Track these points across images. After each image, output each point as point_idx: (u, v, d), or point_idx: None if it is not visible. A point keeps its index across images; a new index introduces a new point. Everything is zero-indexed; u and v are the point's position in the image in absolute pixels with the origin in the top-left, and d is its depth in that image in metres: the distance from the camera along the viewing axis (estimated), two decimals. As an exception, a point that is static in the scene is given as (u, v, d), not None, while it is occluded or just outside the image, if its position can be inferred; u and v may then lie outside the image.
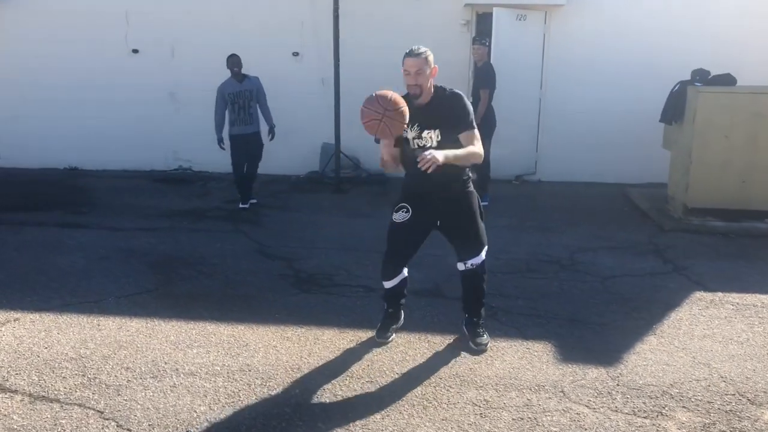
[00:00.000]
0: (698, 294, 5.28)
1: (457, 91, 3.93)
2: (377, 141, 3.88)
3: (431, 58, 3.88)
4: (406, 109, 3.70)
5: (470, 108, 3.95)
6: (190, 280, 5.47)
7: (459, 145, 3.85)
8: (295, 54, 9.82)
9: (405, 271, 4.31)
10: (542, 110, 9.68)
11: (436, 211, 4.09)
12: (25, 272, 5.58)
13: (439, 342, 4.35)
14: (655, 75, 8.87)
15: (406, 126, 3.76)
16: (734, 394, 3.73)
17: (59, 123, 10.21)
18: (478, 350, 4.20)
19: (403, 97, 3.83)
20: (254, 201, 8.09)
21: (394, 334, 4.37)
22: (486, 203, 8.09)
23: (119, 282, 5.39)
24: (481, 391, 3.74)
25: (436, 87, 3.96)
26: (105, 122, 10.15)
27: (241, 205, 7.94)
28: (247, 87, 7.78)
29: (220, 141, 7.87)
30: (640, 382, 3.87)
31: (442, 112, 3.89)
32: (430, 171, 3.59)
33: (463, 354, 4.18)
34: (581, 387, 3.80)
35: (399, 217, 4.10)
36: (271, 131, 8.00)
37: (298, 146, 9.78)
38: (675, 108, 7.57)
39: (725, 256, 6.29)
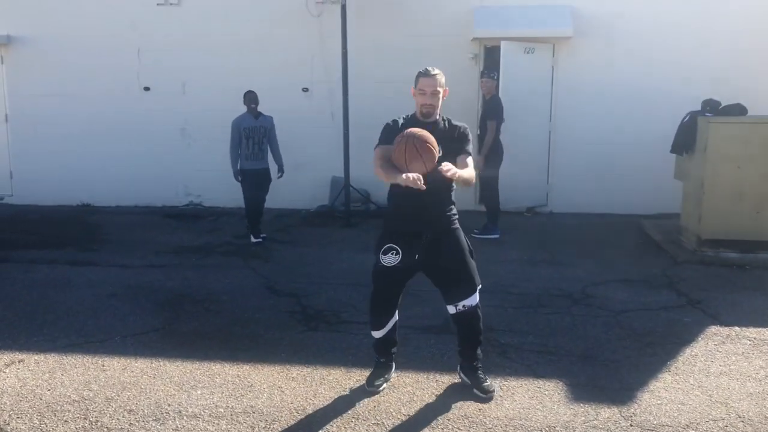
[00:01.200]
0: (714, 328, 5.16)
1: (459, 122, 4.04)
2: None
3: (444, 80, 3.92)
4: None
5: (471, 137, 4.02)
6: (197, 318, 5.43)
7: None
8: (305, 89, 9.89)
9: (396, 315, 4.13)
10: (552, 142, 9.66)
11: (424, 246, 3.89)
12: (33, 311, 5.57)
13: (448, 381, 4.26)
14: (666, 105, 8.86)
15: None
16: (753, 435, 3.61)
17: (72, 160, 10.32)
18: (487, 398, 3.99)
19: (411, 116, 3.96)
20: (264, 236, 8.07)
21: (385, 384, 4.16)
22: (497, 236, 8.08)
23: (126, 320, 5.35)
24: (490, 433, 3.65)
25: (445, 118, 4.02)
26: (117, 159, 10.25)
27: (253, 240, 7.93)
28: (261, 123, 7.85)
29: (237, 174, 7.88)
30: (655, 422, 3.75)
31: (446, 133, 3.90)
32: (454, 178, 3.62)
33: (473, 393, 4.07)
34: (593, 428, 3.69)
35: (388, 260, 3.90)
36: (281, 169, 8.04)
37: (308, 180, 9.81)
38: (685, 139, 7.51)
39: (741, 288, 6.17)
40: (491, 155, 8.01)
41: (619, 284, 6.33)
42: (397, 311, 4.13)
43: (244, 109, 7.86)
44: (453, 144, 3.88)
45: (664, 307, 5.67)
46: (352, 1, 9.01)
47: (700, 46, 9.13)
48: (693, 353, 4.70)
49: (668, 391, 4.11)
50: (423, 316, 5.32)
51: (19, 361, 4.56)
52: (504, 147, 8.13)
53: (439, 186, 3.82)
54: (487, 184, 8.19)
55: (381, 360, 4.21)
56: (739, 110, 7.33)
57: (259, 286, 6.29)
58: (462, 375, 4.20)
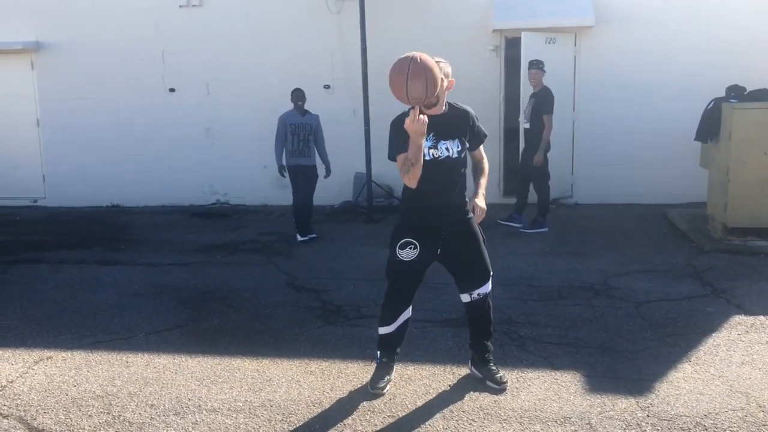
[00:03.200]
0: (738, 318, 5.08)
1: (469, 109, 3.97)
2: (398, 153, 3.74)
3: (449, 70, 3.83)
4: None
5: (478, 120, 4.00)
6: (219, 315, 5.52)
7: (474, 162, 4.05)
8: (327, 86, 9.94)
9: (409, 310, 4.07)
10: (576, 132, 9.57)
11: (439, 240, 3.89)
12: (61, 310, 5.72)
13: (465, 373, 4.26)
14: (690, 92, 8.73)
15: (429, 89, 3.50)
16: (772, 425, 3.56)
17: (101, 162, 10.53)
18: (501, 389, 4.00)
19: (412, 108, 3.72)
20: (314, 236, 8.04)
21: (389, 385, 4.07)
22: (546, 229, 8.01)
23: (150, 318, 5.47)
24: (504, 425, 3.65)
25: (448, 103, 3.91)
26: (144, 160, 10.44)
27: (300, 238, 7.93)
28: (308, 121, 7.92)
29: (282, 168, 7.94)
30: (672, 412, 3.72)
31: (459, 123, 3.87)
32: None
33: (489, 385, 4.09)
34: (609, 419, 3.67)
35: (407, 255, 3.86)
36: (328, 170, 8.10)
37: (332, 177, 9.75)
38: (710, 126, 7.38)
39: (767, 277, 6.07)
40: (546, 148, 7.97)
41: (642, 275, 6.26)
42: (410, 306, 4.09)
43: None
44: (468, 133, 3.88)
45: (688, 297, 5.60)
46: (370, -4, 9.04)
47: (724, 31, 8.96)
48: (715, 343, 4.64)
49: (687, 382, 4.07)
50: (441, 309, 5.34)
51: (47, 358, 4.70)
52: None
53: (451, 176, 3.85)
54: (539, 177, 8.12)
55: (383, 360, 4.13)
56: (765, 96, 7.18)
57: (281, 282, 6.37)
58: (473, 369, 4.20)
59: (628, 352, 4.54)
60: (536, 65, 8.11)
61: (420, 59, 3.49)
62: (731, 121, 6.87)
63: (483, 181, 3.98)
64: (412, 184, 3.73)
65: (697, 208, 8.33)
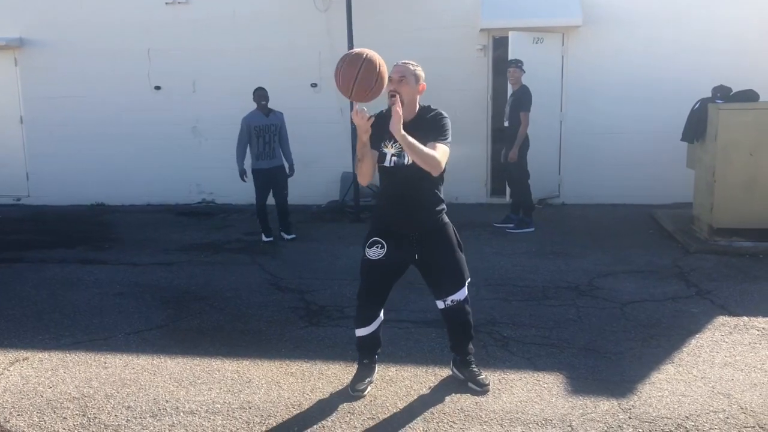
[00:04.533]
0: (722, 319, 5.07)
1: (441, 111, 3.75)
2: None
3: (420, 72, 3.70)
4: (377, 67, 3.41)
5: (449, 126, 3.72)
6: (201, 315, 5.46)
7: None
8: (314, 85, 9.89)
9: (381, 314, 3.99)
10: (563, 132, 9.56)
11: (413, 244, 3.80)
12: (40, 310, 5.64)
13: (447, 374, 4.23)
14: (677, 92, 8.73)
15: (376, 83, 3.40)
16: (754, 427, 3.54)
17: (86, 160, 10.43)
18: (483, 390, 3.96)
19: (387, 111, 3.64)
20: (293, 237, 7.99)
21: (370, 386, 4.03)
22: (532, 229, 7.99)
23: (131, 318, 5.40)
24: (485, 427, 3.61)
25: (422, 106, 3.78)
26: (130, 158, 10.34)
27: (264, 238, 7.90)
28: (273, 121, 7.77)
29: (243, 173, 7.82)
30: (654, 414, 3.69)
31: (428, 129, 3.68)
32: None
33: (470, 386, 4.05)
34: (591, 421, 3.64)
35: (373, 253, 3.80)
36: (291, 169, 7.97)
37: (318, 176, 9.81)
38: (696, 126, 7.38)
39: (753, 278, 6.05)
40: (523, 146, 7.95)
41: (627, 275, 6.25)
42: (382, 311, 4.00)
43: (253, 105, 7.81)
44: (428, 135, 3.65)
45: (672, 298, 5.59)
46: (357, -6, 8.99)
47: (711, 32, 8.97)
48: (698, 344, 4.62)
49: (670, 383, 4.05)
50: (425, 310, 5.29)
51: (23, 359, 4.62)
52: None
53: (422, 183, 3.69)
54: (518, 176, 8.10)
55: (364, 361, 4.08)
56: (750, 96, 7.18)
57: (265, 282, 6.31)
58: (455, 370, 4.15)
59: (612, 353, 4.52)
60: (515, 63, 8.11)
61: (365, 56, 3.41)
62: (717, 121, 6.87)
63: (416, 142, 3.51)
64: (361, 180, 3.71)
65: (684, 208, 8.33)
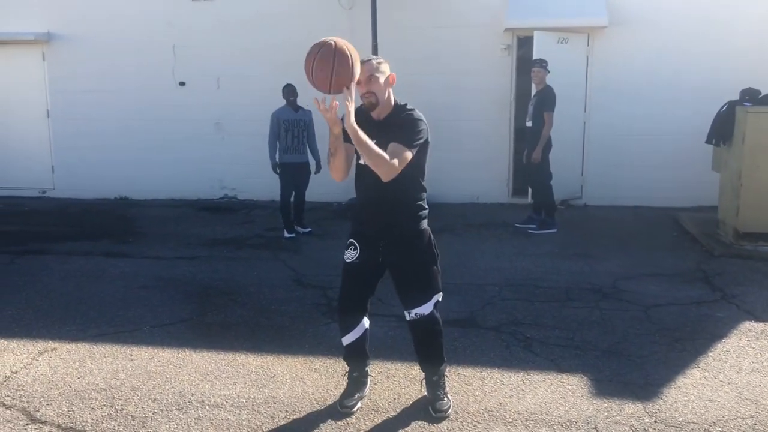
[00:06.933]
0: (748, 324, 5.02)
1: (416, 113, 3.51)
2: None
3: (385, 66, 3.50)
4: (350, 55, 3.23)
5: (419, 128, 3.45)
6: (224, 310, 5.50)
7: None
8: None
9: (365, 322, 3.79)
10: (587, 133, 9.51)
11: (379, 248, 3.61)
12: (67, 301, 5.71)
13: (470, 374, 4.24)
14: (703, 95, 8.65)
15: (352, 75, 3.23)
16: (782, 434, 3.51)
17: (111, 154, 10.53)
18: (436, 417, 3.66)
19: (357, 108, 3.40)
20: (309, 230, 8.12)
21: (360, 403, 3.82)
22: (555, 230, 7.96)
23: (155, 311, 5.45)
24: (509, 427, 3.61)
25: (397, 104, 3.56)
26: (154, 153, 10.43)
27: (286, 235, 7.95)
28: (301, 117, 7.87)
29: (276, 166, 7.91)
30: (680, 419, 3.67)
31: (392, 129, 3.45)
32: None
33: (495, 387, 4.06)
34: (616, 423, 3.63)
35: (348, 255, 3.66)
36: (318, 166, 8.06)
37: (340, 173, 9.81)
38: (722, 129, 7.31)
39: (779, 283, 5.99)
40: (545, 147, 7.92)
41: (651, 278, 6.20)
42: (366, 318, 3.80)
43: (278, 102, 7.87)
44: (396, 134, 3.42)
45: (697, 302, 5.54)
46: (382, -7, 9.00)
47: (738, 33, 8.87)
48: (724, 349, 4.59)
49: (696, 388, 4.02)
50: (448, 309, 5.26)
51: (51, 350, 4.69)
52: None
53: (393, 185, 3.40)
54: (541, 176, 8.08)
55: (354, 374, 3.86)
56: (779, 99, 7.10)
57: (287, 278, 6.34)
58: (422, 385, 3.90)
59: (636, 356, 4.49)
60: (539, 63, 8.07)
61: (334, 44, 3.21)
62: (745, 124, 6.80)
63: (368, 140, 3.28)
64: (334, 176, 3.52)
65: (708, 212, 8.25)
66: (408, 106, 3.56)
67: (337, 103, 3.25)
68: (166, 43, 10.18)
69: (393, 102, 3.56)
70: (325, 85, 3.21)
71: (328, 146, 3.42)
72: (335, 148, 3.40)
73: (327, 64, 3.19)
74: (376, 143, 3.35)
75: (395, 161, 3.33)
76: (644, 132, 9.23)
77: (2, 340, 4.84)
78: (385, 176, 3.34)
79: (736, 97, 7.41)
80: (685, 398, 3.90)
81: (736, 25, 8.89)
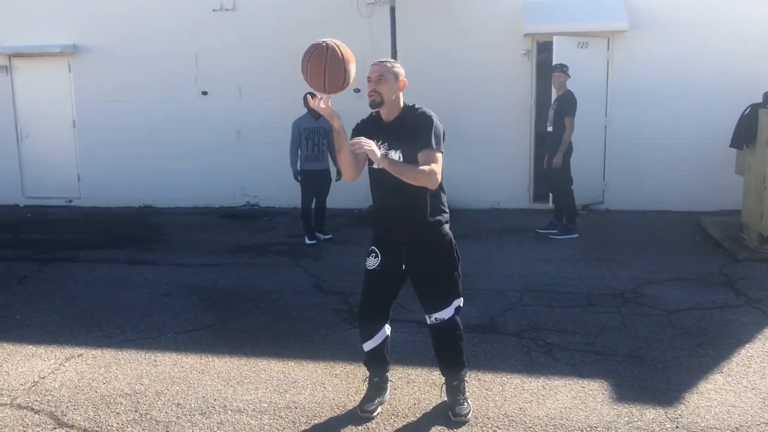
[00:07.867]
0: (772, 329, 4.97)
1: (427, 111, 3.52)
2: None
3: (398, 70, 3.53)
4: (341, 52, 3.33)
5: (437, 129, 3.46)
6: (247, 316, 5.57)
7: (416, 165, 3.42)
8: (357, 90, 9.94)
9: (386, 328, 3.82)
10: (608, 137, 9.46)
11: (401, 254, 3.61)
12: (93, 308, 5.82)
13: (491, 380, 4.24)
14: (725, 98, 8.58)
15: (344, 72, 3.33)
16: (806, 440, 3.47)
17: (135, 163, 10.69)
18: (456, 422, 3.68)
19: (366, 116, 3.61)
20: (330, 236, 8.19)
21: (380, 408, 3.84)
22: (576, 235, 7.93)
23: (179, 318, 5.53)
24: (529, 432, 3.62)
25: (407, 105, 3.58)
26: (177, 161, 10.57)
27: (308, 241, 8.02)
28: (321, 125, 7.93)
29: (297, 174, 8.00)
30: (702, 424, 3.64)
31: (405, 130, 3.48)
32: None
33: (515, 393, 4.06)
34: (637, 429, 3.61)
35: (369, 263, 3.69)
36: (339, 174, 8.12)
37: (360, 180, 9.76)
38: (746, 132, 7.25)
39: (805, 287, 5.91)
40: (566, 152, 7.90)
41: (673, 283, 6.16)
42: (387, 325, 3.83)
43: (299, 110, 7.94)
44: (410, 140, 3.45)
45: (720, 307, 5.49)
46: (401, 0, 9.04)
47: (760, 36, 8.78)
48: (748, 354, 4.54)
49: (718, 393, 3.99)
50: (469, 315, 5.28)
51: (78, 356, 4.78)
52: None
53: (413, 189, 3.43)
54: (562, 182, 8.06)
55: (374, 379, 3.88)
56: (803, 101, 7.03)
57: (308, 284, 6.40)
58: (443, 389, 3.92)
59: (658, 361, 4.47)
60: (560, 68, 8.05)
61: (326, 45, 3.34)
62: (768, 127, 6.74)
63: (400, 163, 3.41)
64: (344, 174, 3.64)
65: (732, 216, 8.17)
66: (417, 106, 3.58)
67: (328, 98, 3.37)
68: (189, 53, 10.33)
69: (402, 104, 3.59)
70: (320, 84, 3.33)
71: (334, 144, 3.50)
72: (340, 144, 3.46)
73: (320, 64, 3.31)
74: (387, 145, 3.44)
75: (434, 167, 3.39)
76: (666, 135, 9.17)
77: (31, 346, 4.95)
78: (432, 186, 3.45)
79: (759, 99, 7.34)
80: (708, 404, 3.87)
81: (760, 27, 8.80)
